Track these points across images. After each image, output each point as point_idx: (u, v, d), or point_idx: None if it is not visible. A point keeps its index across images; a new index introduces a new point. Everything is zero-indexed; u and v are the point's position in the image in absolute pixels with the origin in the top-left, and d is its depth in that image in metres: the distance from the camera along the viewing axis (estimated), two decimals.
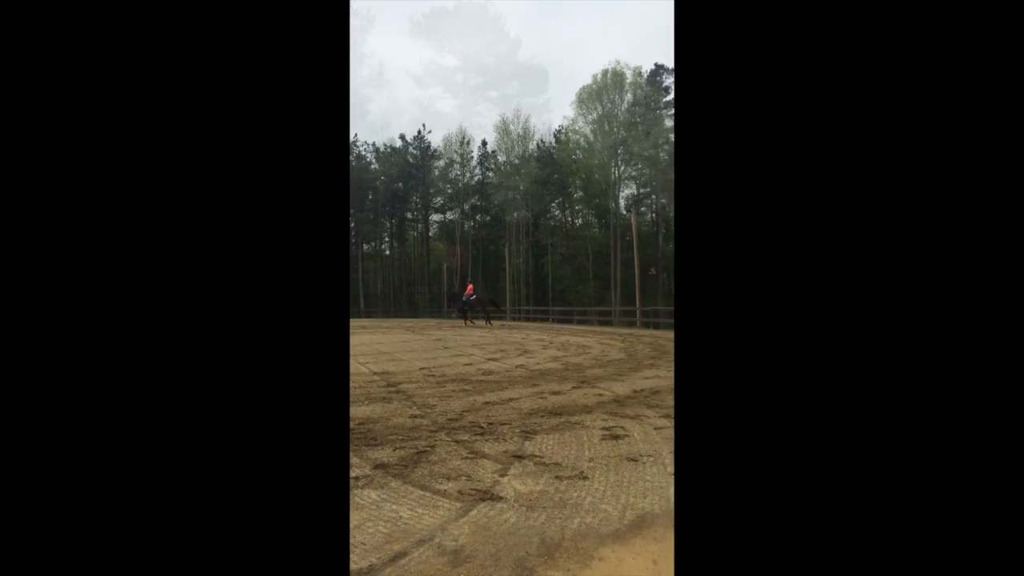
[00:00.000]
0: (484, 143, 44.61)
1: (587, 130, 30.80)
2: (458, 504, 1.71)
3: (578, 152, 31.25)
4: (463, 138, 43.25)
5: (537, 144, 38.41)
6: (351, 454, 2.30)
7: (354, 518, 1.60)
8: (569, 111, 60.19)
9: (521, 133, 37.83)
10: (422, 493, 1.81)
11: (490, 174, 43.10)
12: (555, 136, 38.87)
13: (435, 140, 51.64)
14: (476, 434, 2.63)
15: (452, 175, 44.94)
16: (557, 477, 1.96)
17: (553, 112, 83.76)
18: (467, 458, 2.22)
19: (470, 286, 18.07)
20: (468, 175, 44.31)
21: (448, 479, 1.95)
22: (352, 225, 47.49)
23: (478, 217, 45.12)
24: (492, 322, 16.57)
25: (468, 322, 16.85)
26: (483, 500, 1.74)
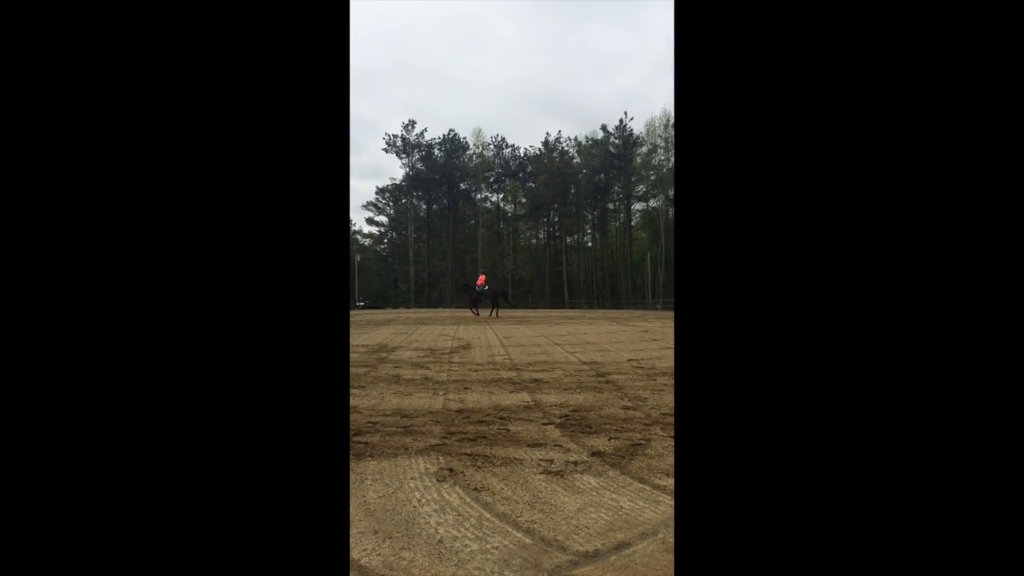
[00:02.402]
0: None
1: None
2: None
3: None
4: (667, 121, 41.40)
5: None
6: (567, 438, 2.39)
7: (575, 501, 1.66)
8: None
9: None
10: (641, 486, 1.79)
11: None
12: None
13: (637, 127, 50.49)
14: None
15: (655, 161, 43.47)
16: None
17: None
18: None
19: (482, 276, 18.29)
20: (672, 159, 42.25)
21: (667, 475, 1.89)
22: (556, 220, 49.43)
23: None
24: (499, 313, 16.94)
25: (476, 312, 17.10)
26: None
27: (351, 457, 2.16)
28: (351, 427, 2.66)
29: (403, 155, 50.14)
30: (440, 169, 50.12)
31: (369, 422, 2.77)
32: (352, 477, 1.93)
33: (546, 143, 49.34)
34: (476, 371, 4.67)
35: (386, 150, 50.26)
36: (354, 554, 1.34)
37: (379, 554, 1.34)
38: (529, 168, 49.94)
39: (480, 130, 57.21)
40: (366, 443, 2.37)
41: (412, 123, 50.52)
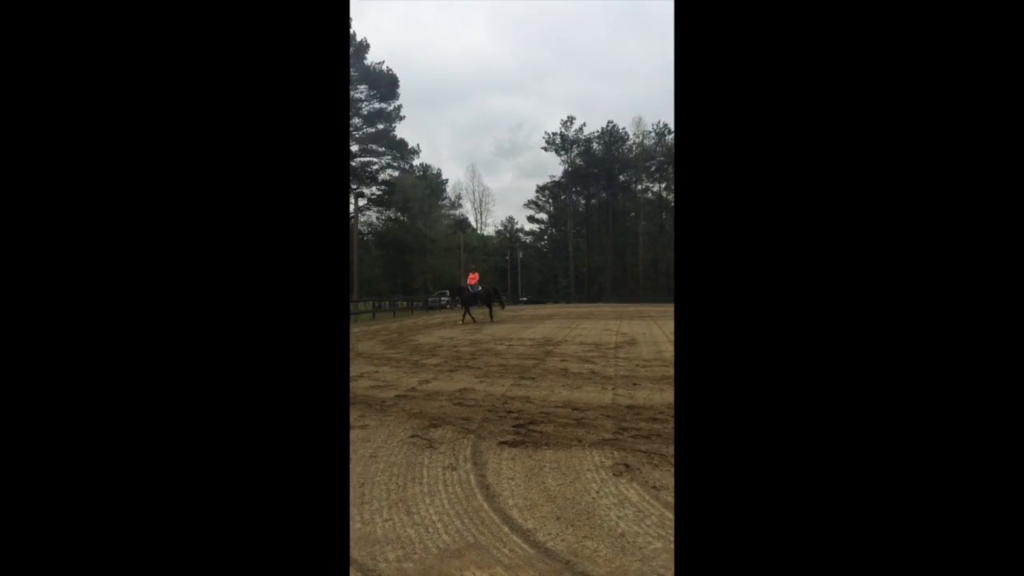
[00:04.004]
0: None
1: None
2: None
3: None
4: None
5: None
6: None
7: None
8: None
9: None
10: None
11: None
12: None
13: None
14: None
15: None
16: None
17: None
18: None
19: (475, 275, 13.55)
20: None
21: None
22: None
23: None
24: (494, 314, 12.99)
25: (468, 317, 12.49)
26: None
27: (528, 444, 2.27)
28: (524, 415, 2.80)
29: (562, 152, 50.91)
30: (598, 163, 49.82)
31: (542, 412, 2.88)
32: (531, 463, 2.03)
33: None
34: (644, 367, 4.56)
35: (545, 148, 51.59)
36: (539, 536, 1.41)
37: (563, 540, 1.40)
38: None
39: (640, 119, 55.34)
40: (541, 432, 2.47)
41: (571, 119, 51.05)
